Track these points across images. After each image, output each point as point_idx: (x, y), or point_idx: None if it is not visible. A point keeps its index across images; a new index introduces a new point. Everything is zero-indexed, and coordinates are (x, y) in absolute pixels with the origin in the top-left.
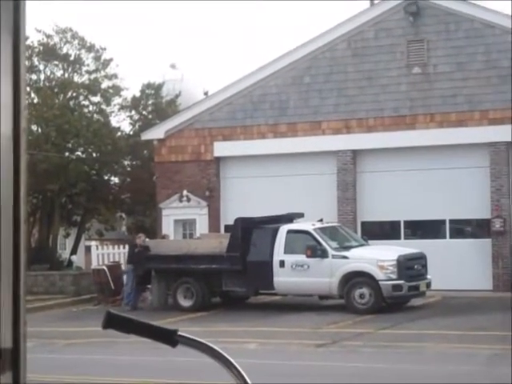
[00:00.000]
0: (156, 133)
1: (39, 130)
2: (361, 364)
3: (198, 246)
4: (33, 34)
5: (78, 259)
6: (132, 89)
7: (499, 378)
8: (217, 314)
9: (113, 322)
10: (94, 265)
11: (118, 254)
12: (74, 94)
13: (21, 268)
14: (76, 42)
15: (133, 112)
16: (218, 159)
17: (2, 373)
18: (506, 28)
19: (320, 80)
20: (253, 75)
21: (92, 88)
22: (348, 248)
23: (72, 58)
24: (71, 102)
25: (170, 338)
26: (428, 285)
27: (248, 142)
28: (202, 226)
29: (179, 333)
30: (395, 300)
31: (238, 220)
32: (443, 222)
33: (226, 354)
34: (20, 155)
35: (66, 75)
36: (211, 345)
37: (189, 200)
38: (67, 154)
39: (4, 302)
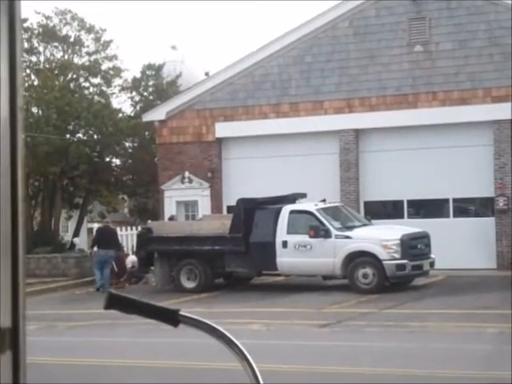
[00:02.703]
0: (157, 114)
1: (40, 112)
2: (365, 343)
3: (201, 227)
4: (32, 16)
5: (81, 241)
6: (132, 70)
7: (505, 356)
8: (220, 295)
9: (114, 303)
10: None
11: (121, 235)
12: (75, 76)
13: (19, 248)
14: (76, 23)
15: (133, 93)
16: (220, 140)
17: (2, 352)
18: (509, 4)
19: (322, 59)
20: (254, 55)
21: (92, 69)
22: (351, 228)
23: (72, 40)
24: (71, 84)
25: (171, 317)
26: (431, 264)
27: (250, 122)
28: (204, 208)
29: (181, 312)
30: (399, 279)
31: (241, 201)
32: (446, 200)
33: (228, 334)
34: (17, 134)
35: (66, 57)
36: (213, 324)
37: (191, 181)
38: (68, 136)
39: (3, 282)
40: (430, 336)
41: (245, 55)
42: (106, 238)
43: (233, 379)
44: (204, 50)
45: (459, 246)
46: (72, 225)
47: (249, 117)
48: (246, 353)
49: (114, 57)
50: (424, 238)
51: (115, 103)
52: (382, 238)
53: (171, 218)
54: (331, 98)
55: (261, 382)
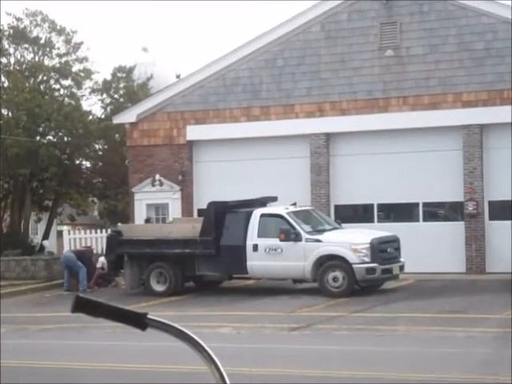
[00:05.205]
0: (128, 116)
1: (10, 114)
2: (334, 347)
3: (171, 230)
4: (2, 17)
5: (51, 244)
6: (103, 72)
7: (474, 360)
8: (190, 299)
9: (81, 306)
10: (66, 250)
11: (91, 238)
12: (45, 78)
13: None
14: (46, 24)
15: (104, 95)
16: (191, 143)
17: None
18: (479, 9)
19: (293, 63)
20: (225, 58)
21: (63, 71)
22: (321, 231)
23: (42, 41)
24: (42, 86)
25: (139, 321)
26: (401, 268)
27: (221, 125)
28: (174, 211)
29: (149, 316)
30: (368, 283)
31: (211, 204)
32: (416, 204)
33: (195, 337)
34: None
35: (37, 58)
36: (181, 328)
37: (161, 184)
38: (38, 138)
39: None
40: (398, 339)
41: (216, 58)
42: (79, 256)
43: (202, 382)
44: (175, 53)
45: (429, 249)
46: (42, 227)
47: (220, 120)
48: (213, 356)
49: (85, 59)
50: (394, 241)
51: (86, 105)
52: (352, 241)
53: (148, 220)
54: (302, 102)
55: None
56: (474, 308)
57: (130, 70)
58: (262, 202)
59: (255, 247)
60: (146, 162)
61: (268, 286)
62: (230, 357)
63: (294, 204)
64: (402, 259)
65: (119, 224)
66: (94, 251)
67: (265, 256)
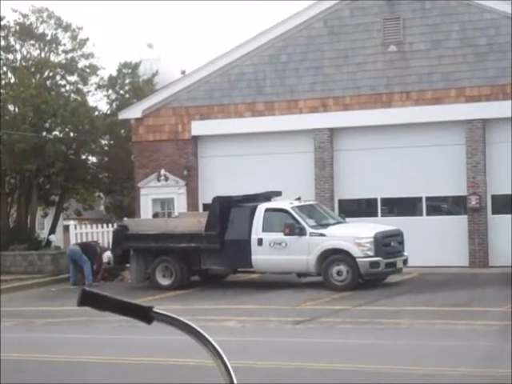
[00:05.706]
0: (133, 112)
1: (16, 109)
2: (338, 340)
3: (177, 224)
4: (9, 14)
5: (57, 239)
6: (109, 68)
7: (477, 353)
8: (196, 293)
9: (87, 300)
10: (72, 243)
11: (97, 233)
12: (51, 74)
13: None
14: (52, 21)
15: (110, 91)
16: (196, 138)
17: None
18: (482, 5)
19: (296, 58)
20: (230, 54)
21: (69, 67)
22: (325, 226)
23: (48, 38)
24: (48, 82)
25: (145, 314)
26: (405, 261)
27: (225, 120)
28: (180, 205)
29: (154, 309)
30: (372, 277)
31: (216, 199)
32: (420, 199)
33: (201, 330)
34: None
35: (43, 55)
36: (187, 321)
37: (167, 179)
38: (44, 133)
39: None
40: (402, 333)
41: (220, 54)
42: (85, 248)
43: (208, 376)
44: (180, 49)
45: (432, 243)
46: (48, 222)
47: (224, 115)
48: (219, 350)
49: (91, 55)
50: (397, 235)
51: (91, 101)
52: (355, 235)
53: (156, 215)
54: (306, 97)
55: (234, 378)
56: (477, 301)
57: (136, 66)
58: (267, 196)
59: (260, 241)
60: (151, 157)
61: (272, 279)
62: (235, 350)
63: (299, 199)
64: (405, 253)
65: (125, 218)
66: (101, 245)
67: (269, 250)
